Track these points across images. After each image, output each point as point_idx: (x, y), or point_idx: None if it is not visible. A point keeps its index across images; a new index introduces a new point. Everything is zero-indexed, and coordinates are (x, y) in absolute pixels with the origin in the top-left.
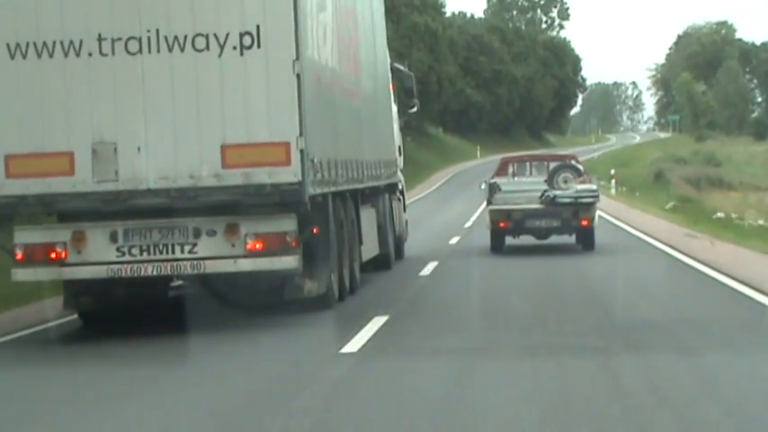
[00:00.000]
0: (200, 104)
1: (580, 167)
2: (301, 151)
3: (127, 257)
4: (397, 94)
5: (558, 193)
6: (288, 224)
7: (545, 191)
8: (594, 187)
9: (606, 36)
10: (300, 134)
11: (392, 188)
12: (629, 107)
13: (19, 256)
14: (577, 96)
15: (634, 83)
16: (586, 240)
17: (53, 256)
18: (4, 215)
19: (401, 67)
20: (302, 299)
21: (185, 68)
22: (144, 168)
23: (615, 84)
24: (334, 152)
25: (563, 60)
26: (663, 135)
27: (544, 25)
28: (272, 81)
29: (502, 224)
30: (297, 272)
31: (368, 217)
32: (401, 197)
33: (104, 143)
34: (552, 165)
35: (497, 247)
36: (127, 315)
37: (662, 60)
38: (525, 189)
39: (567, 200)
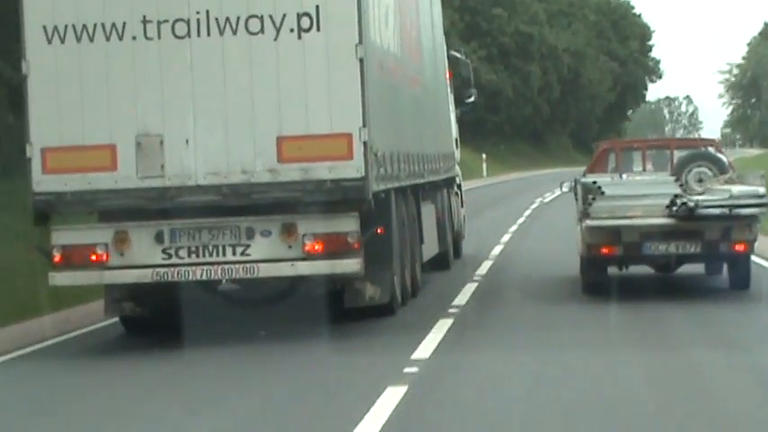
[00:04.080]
0: (254, 92)
1: (723, 158)
2: (364, 144)
3: (174, 260)
4: (452, 83)
5: (700, 198)
6: (350, 224)
7: (677, 196)
8: (762, 190)
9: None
10: (363, 125)
11: (450, 182)
12: (684, 126)
13: (57, 258)
14: (646, 87)
15: (688, 97)
16: (739, 275)
17: (94, 258)
18: (41, 214)
19: (458, 54)
20: (363, 306)
21: (238, 53)
22: (192, 163)
23: (667, 99)
24: (397, 145)
25: (625, 32)
26: (756, 151)
27: None
28: (333, 67)
29: (606, 249)
30: (358, 276)
31: (428, 214)
32: (458, 192)
33: (149, 135)
34: (680, 154)
35: (595, 284)
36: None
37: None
38: (643, 193)
39: (717, 210)
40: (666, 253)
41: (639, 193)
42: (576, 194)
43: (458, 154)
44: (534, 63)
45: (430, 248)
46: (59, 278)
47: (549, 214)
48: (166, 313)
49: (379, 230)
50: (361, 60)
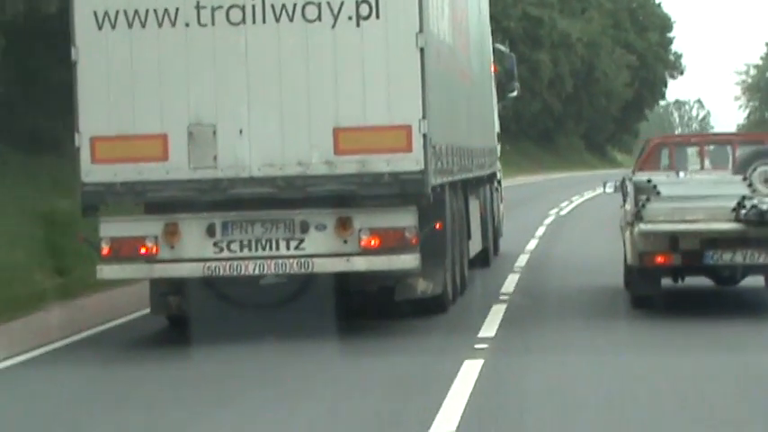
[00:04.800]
0: (311, 82)
1: None
2: (424, 136)
3: (225, 254)
4: (496, 76)
5: None
6: (407, 218)
7: (745, 197)
8: None
9: None
10: (423, 117)
11: (492, 178)
12: (695, 130)
13: (105, 251)
14: (666, 84)
15: (699, 101)
16: None
17: (143, 251)
18: (89, 205)
19: (502, 48)
20: (415, 299)
21: (294, 41)
22: (246, 154)
23: (677, 102)
24: (452, 138)
25: (643, 22)
26: None
27: None
28: (393, 56)
29: (661, 258)
30: (415, 272)
31: (474, 209)
32: (498, 187)
33: (202, 125)
34: (743, 150)
35: (646, 297)
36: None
37: (755, 61)
38: (705, 194)
39: None
40: (732, 263)
41: (701, 193)
42: (624, 195)
43: (499, 149)
44: (544, 51)
45: (475, 244)
46: (107, 271)
47: (572, 235)
48: (209, 308)
49: (437, 226)
50: (422, 50)
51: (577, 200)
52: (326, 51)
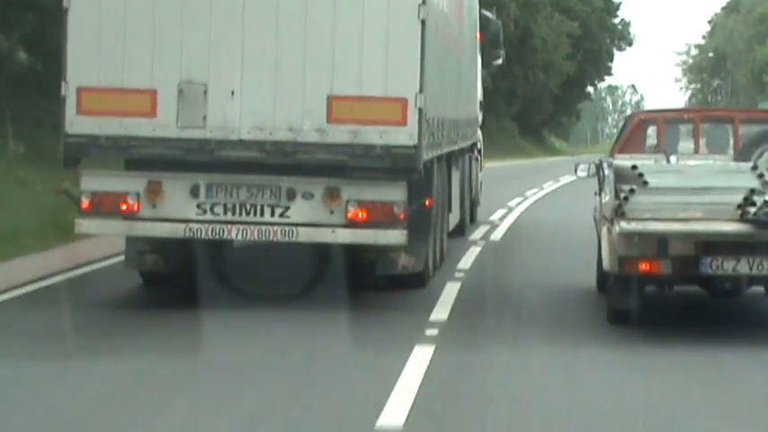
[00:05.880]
0: (308, 46)
1: None
2: (420, 110)
3: (208, 216)
4: (481, 43)
5: None
6: (397, 193)
7: (754, 191)
8: None
9: None
10: (420, 90)
11: (473, 147)
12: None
13: (85, 204)
14: (612, 58)
15: (633, 86)
16: None
17: (124, 207)
18: (71, 156)
19: (488, 14)
20: (396, 274)
21: (293, 3)
22: (237, 116)
23: (610, 87)
24: (443, 111)
25: None
26: None
27: None
28: (393, 26)
29: (646, 265)
30: (400, 247)
31: (456, 182)
32: (478, 156)
33: (193, 83)
34: (747, 130)
35: (626, 311)
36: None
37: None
38: (704, 185)
39: None
40: (735, 273)
41: (699, 185)
42: (600, 183)
43: (480, 117)
44: None
45: (455, 217)
46: (86, 225)
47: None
48: (186, 269)
49: (427, 203)
50: (423, 22)
51: (519, 206)
52: (326, 17)
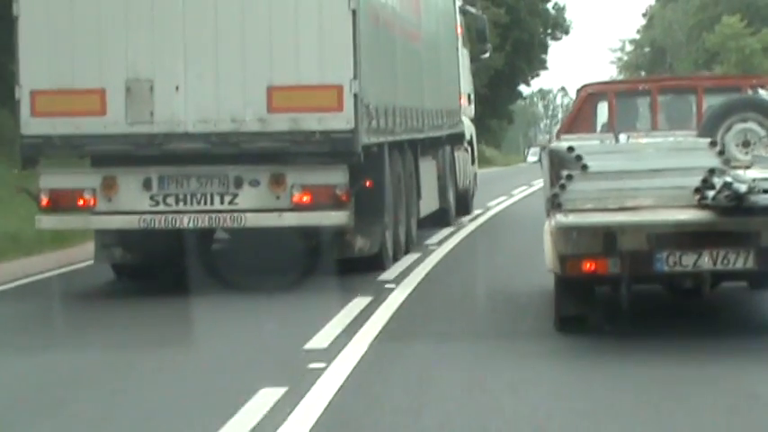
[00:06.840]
0: (246, 41)
1: None
2: (355, 96)
3: (161, 207)
4: (468, 37)
5: (754, 177)
6: (338, 176)
7: (713, 172)
8: None
9: None
10: (354, 77)
11: (455, 139)
12: (560, 120)
13: (44, 202)
14: (547, 49)
15: (563, 88)
16: None
17: (81, 203)
18: (28, 157)
19: (472, 10)
20: (353, 257)
21: (231, 0)
22: (182, 110)
23: (541, 91)
24: (393, 98)
25: None
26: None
27: None
28: (326, 17)
29: (590, 264)
30: (347, 228)
31: (428, 169)
32: (468, 148)
33: (139, 80)
34: (714, 100)
35: (571, 316)
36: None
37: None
38: (654, 167)
39: None
40: (695, 269)
41: (648, 167)
42: (542, 169)
43: (472, 110)
44: None
45: (429, 204)
46: (45, 221)
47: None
48: (157, 261)
49: (367, 183)
50: (354, 12)
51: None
52: (262, 11)
